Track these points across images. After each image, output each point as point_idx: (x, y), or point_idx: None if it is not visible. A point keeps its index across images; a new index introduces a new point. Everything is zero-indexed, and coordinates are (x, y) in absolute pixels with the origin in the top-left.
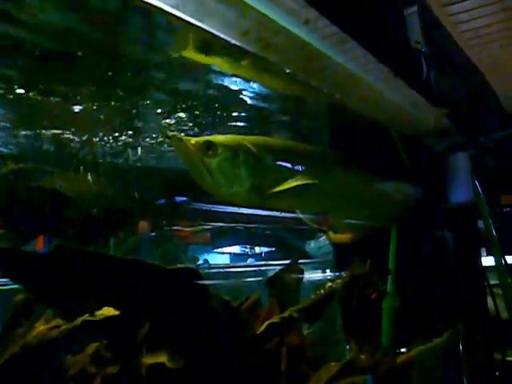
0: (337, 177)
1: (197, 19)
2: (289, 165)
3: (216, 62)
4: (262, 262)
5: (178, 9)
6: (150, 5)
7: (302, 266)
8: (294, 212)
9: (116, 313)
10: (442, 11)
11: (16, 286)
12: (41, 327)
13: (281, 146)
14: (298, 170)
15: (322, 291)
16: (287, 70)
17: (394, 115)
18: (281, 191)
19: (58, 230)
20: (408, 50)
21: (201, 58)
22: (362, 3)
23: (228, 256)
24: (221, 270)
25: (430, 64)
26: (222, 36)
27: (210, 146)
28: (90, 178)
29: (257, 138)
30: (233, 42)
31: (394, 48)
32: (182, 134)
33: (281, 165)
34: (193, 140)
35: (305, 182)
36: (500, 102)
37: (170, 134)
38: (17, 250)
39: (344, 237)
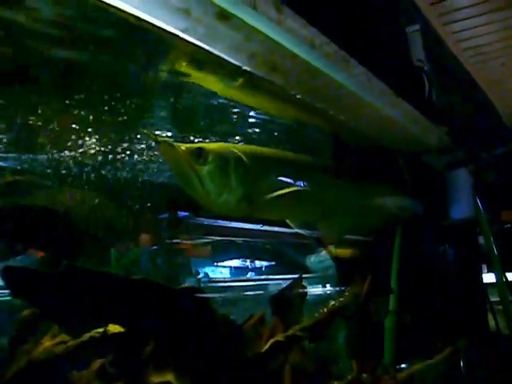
0: (329, 187)
1: (206, 43)
2: (279, 174)
3: (208, 83)
4: (263, 276)
5: (187, 33)
6: (160, 28)
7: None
8: (285, 223)
9: (121, 330)
10: (444, 29)
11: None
12: (47, 343)
13: (272, 155)
14: (289, 180)
15: (326, 310)
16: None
17: (395, 133)
18: (270, 200)
19: (49, 244)
20: (411, 68)
21: (193, 77)
22: (365, 23)
23: (228, 270)
24: (221, 283)
25: (432, 81)
26: (229, 59)
27: (200, 152)
28: (87, 193)
29: (248, 146)
30: (240, 65)
31: (396, 67)
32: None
33: (271, 174)
34: (183, 146)
35: (294, 189)
36: (501, 119)
37: (160, 139)
38: (27, 269)
39: (345, 252)
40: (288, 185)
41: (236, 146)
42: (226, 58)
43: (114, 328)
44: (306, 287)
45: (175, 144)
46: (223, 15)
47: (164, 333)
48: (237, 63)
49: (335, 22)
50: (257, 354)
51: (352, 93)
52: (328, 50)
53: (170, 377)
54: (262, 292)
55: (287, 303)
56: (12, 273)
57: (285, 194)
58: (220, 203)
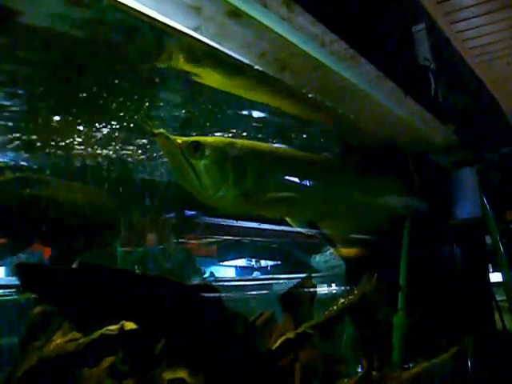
0: (332, 184)
1: (216, 42)
2: (279, 170)
3: (206, 76)
4: (268, 276)
5: (199, 31)
6: (172, 28)
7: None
8: (285, 221)
9: (134, 327)
10: (449, 28)
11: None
12: (58, 340)
13: (271, 150)
14: (290, 177)
15: (335, 308)
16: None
17: (402, 131)
18: (269, 198)
19: (52, 239)
20: (417, 66)
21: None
22: (373, 23)
23: (233, 269)
24: (226, 283)
25: (438, 80)
26: (239, 57)
27: (197, 146)
28: (90, 188)
29: (247, 141)
30: (251, 63)
31: (404, 66)
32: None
33: (271, 170)
34: (179, 139)
35: (294, 187)
36: (506, 118)
37: (157, 131)
38: (41, 265)
39: (353, 251)
40: (288, 182)
41: (235, 141)
42: (236, 56)
43: (126, 325)
44: (315, 285)
45: (172, 137)
46: (234, 13)
47: (177, 330)
48: (247, 61)
49: (341, 21)
50: (268, 350)
51: (361, 91)
52: (338, 47)
53: (182, 373)
54: (267, 291)
55: (297, 301)
56: (26, 269)
57: (284, 191)
58: (217, 199)
